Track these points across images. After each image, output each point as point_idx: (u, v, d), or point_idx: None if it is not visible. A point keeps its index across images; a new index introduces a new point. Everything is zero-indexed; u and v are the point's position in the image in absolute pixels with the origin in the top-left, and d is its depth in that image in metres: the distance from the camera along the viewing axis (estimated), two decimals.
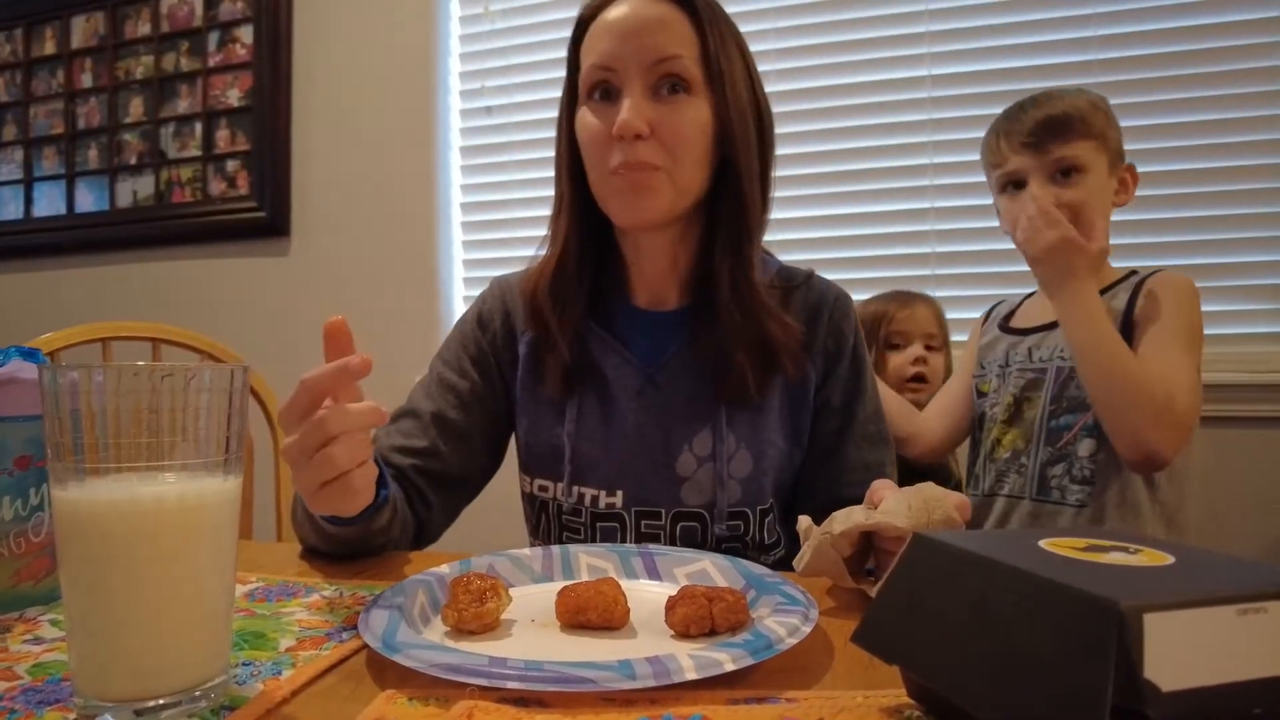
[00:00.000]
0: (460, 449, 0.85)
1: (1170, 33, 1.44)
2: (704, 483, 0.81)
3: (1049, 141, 1.06)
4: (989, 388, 1.22)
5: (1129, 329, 1.05)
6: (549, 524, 0.86)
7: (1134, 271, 1.12)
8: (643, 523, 0.82)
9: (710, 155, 0.79)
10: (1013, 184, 1.12)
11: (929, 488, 0.58)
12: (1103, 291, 1.08)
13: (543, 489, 0.86)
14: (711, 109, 0.78)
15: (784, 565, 0.86)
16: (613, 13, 0.78)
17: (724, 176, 0.81)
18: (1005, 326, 1.23)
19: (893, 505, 0.57)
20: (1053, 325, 1.12)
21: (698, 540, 0.81)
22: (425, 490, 0.82)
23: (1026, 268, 1.09)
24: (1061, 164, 1.07)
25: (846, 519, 0.57)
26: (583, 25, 0.82)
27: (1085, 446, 1.07)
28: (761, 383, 0.81)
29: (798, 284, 0.87)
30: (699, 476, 0.81)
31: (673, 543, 0.81)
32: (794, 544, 0.87)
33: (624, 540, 0.82)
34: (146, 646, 0.39)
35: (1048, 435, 1.10)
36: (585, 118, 0.80)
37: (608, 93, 0.78)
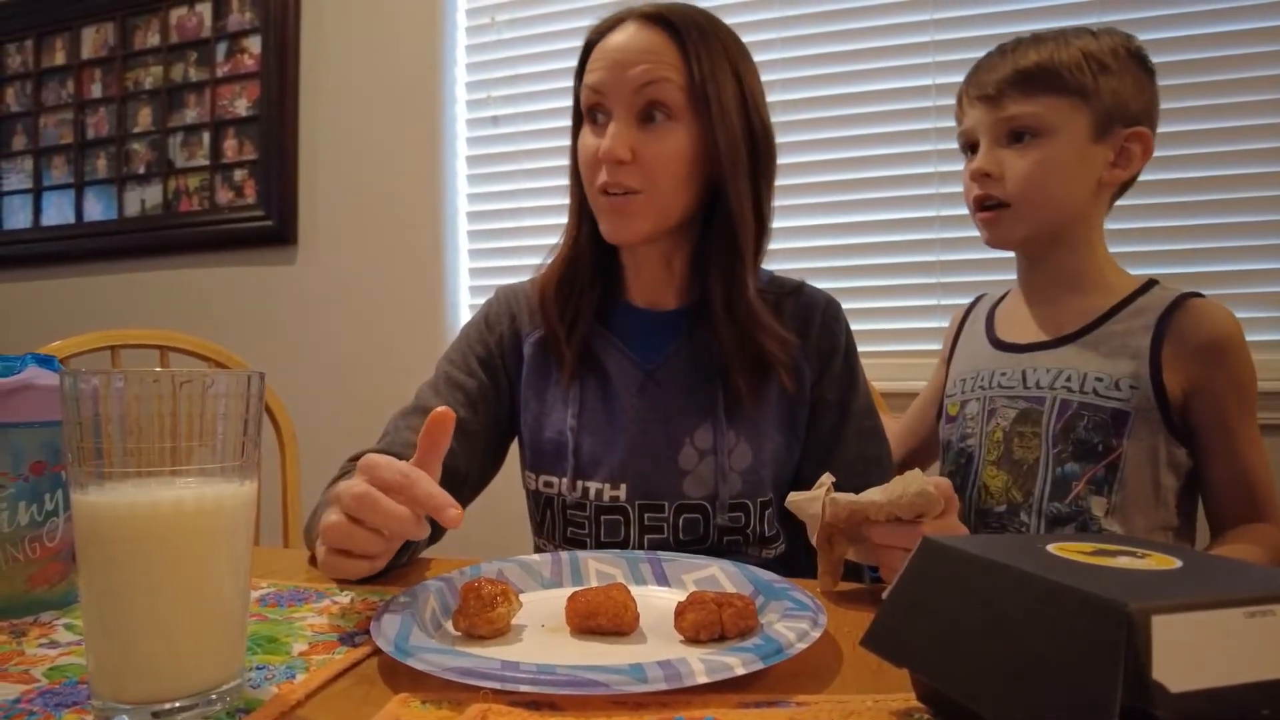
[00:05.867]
0: (468, 447, 0.87)
1: (1171, 41, 1.44)
2: (705, 475, 0.84)
3: (1006, 96, 0.88)
4: (957, 410, 0.98)
5: (1156, 359, 0.85)
6: (554, 519, 0.88)
7: (1153, 281, 0.91)
8: (646, 515, 0.84)
9: (695, 178, 0.83)
10: (970, 147, 0.94)
11: (911, 472, 0.60)
12: (1119, 308, 0.89)
13: (548, 485, 0.88)
14: (697, 134, 0.81)
15: (785, 560, 0.88)
16: (610, 40, 0.82)
17: (717, 196, 0.84)
18: (992, 336, 1.00)
19: (873, 490, 0.61)
20: (1051, 343, 0.92)
21: (700, 531, 0.84)
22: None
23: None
24: (1014, 124, 0.88)
25: (843, 497, 0.62)
26: (588, 48, 0.86)
27: (1096, 505, 0.85)
28: (756, 394, 0.84)
29: (789, 291, 0.92)
30: (700, 469, 0.84)
31: (675, 534, 0.84)
32: (795, 540, 0.89)
33: (628, 532, 0.85)
34: (163, 649, 0.40)
35: (1052, 487, 0.87)
36: (583, 138, 0.85)
37: (598, 117, 0.83)
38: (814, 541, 0.64)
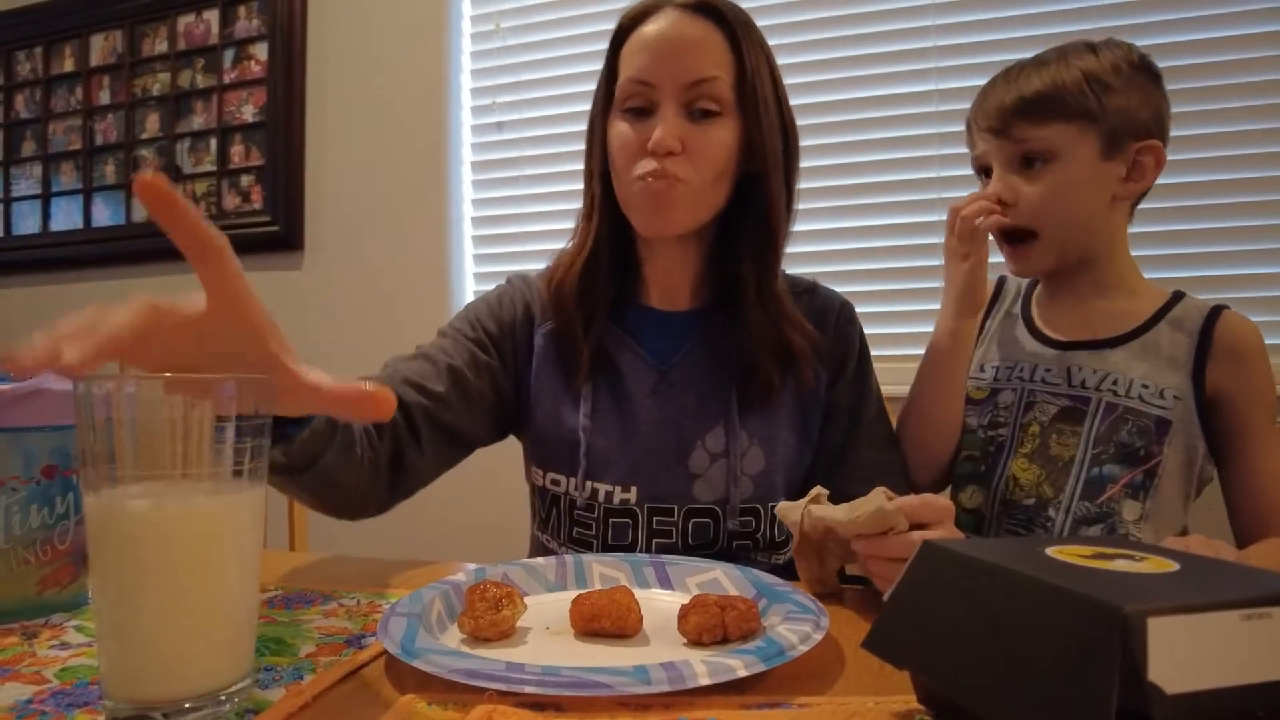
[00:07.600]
0: (468, 407, 0.84)
1: (1177, 46, 1.44)
2: (716, 479, 0.83)
3: (1014, 125, 0.88)
4: (984, 396, 0.96)
5: (1200, 372, 0.86)
6: (560, 518, 0.87)
7: (1180, 294, 0.92)
8: (655, 519, 0.83)
9: (733, 172, 0.82)
10: (983, 171, 0.95)
11: (874, 491, 0.60)
12: (1157, 317, 0.90)
13: (555, 483, 0.87)
14: (740, 130, 0.81)
15: (794, 565, 0.87)
16: (652, 26, 0.80)
17: (748, 191, 0.84)
18: (1033, 328, 0.98)
19: (841, 506, 0.62)
20: (1094, 344, 0.91)
21: (710, 536, 0.83)
22: (423, 434, 0.80)
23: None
24: (1024, 149, 0.88)
25: (817, 509, 0.63)
26: (622, 34, 0.83)
27: (1130, 509, 0.85)
28: (782, 388, 0.84)
29: (803, 290, 0.91)
30: (712, 473, 0.83)
31: (685, 538, 0.83)
32: None
33: (635, 535, 0.84)
34: (174, 650, 0.40)
35: (1084, 486, 0.87)
36: (619, 127, 0.82)
37: (643, 107, 0.80)
38: (792, 549, 0.66)
